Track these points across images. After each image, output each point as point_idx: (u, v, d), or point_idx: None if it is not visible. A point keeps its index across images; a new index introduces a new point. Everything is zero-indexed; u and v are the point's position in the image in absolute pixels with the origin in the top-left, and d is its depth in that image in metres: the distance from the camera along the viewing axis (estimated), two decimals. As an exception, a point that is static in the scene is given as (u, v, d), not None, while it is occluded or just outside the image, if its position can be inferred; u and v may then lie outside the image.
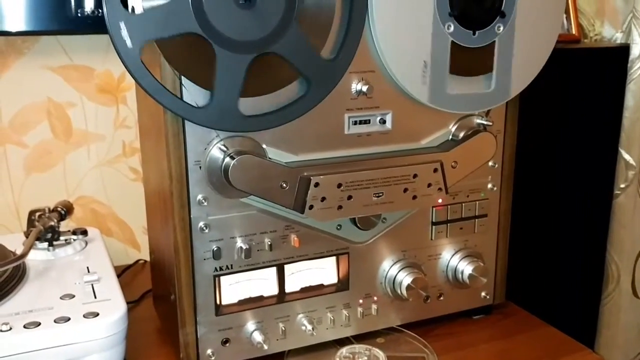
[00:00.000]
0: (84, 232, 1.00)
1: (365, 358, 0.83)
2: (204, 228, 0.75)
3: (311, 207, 0.76)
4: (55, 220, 0.97)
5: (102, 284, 0.85)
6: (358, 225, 0.81)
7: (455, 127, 0.85)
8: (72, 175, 1.15)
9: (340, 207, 0.77)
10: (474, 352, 0.87)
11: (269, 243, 0.78)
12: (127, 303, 0.99)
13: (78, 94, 1.13)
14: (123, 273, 1.12)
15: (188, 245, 0.74)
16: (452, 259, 0.90)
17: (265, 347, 0.79)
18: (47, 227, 0.95)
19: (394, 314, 0.88)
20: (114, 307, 0.79)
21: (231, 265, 0.77)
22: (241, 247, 0.76)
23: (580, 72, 1.16)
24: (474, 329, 0.93)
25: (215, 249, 0.76)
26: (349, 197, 0.77)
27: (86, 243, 1.00)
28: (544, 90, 1.10)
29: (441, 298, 0.91)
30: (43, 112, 1.11)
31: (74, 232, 1.00)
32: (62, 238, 0.97)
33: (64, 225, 1.01)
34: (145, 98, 0.75)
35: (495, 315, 0.96)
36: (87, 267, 0.90)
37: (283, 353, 0.83)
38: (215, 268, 0.76)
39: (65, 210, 1.02)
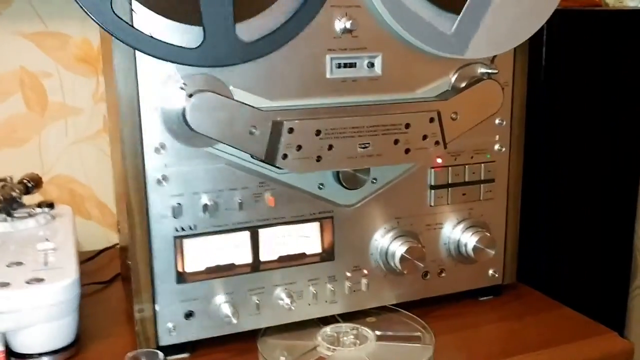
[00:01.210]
0: (50, 206, 0.92)
1: (352, 337, 0.72)
2: (162, 180, 0.65)
3: (285, 156, 0.66)
4: (18, 192, 0.89)
5: (58, 254, 0.76)
6: (343, 183, 0.71)
7: (456, 76, 0.75)
8: (47, 152, 1.07)
9: (319, 158, 0.67)
10: (477, 333, 0.76)
11: (239, 201, 0.68)
12: (97, 283, 0.92)
13: (54, 63, 1.05)
14: (98, 255, 1.02)
15: (143, 199, 0.65)
16: (455, 230, 0.79)
17: (234, 320, 0.69)
18: (7, 197, 0.87)
19: (387, 291, 0.77)
20: (63, 274, 0.70)
21: (195, 226, 0.67)
22: (206, 205, 0.67)
23: (603, 36, 1.04)
24: (479, 310, 0.82)
25: (175, 205, 0.66)
26: (330, 147, 0.67)
27: (53, 217, 0.91)
28: (564, 55, 0.99)
29: (442, 275, 0.80)
30: (15, 82, 1.03)
31: (39, 205, 0.91)
32: (24, 211, 0.89)
33: (33, 201, 0.93)
34: (110, 65, 0.66)
35: (505, 297, 0.85)
36: (47, 239, 0.81)
37: (257, 332, 0.73)
38: (176, 228, 0.67)
39: (32, 184, 0.93)
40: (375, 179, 0.74)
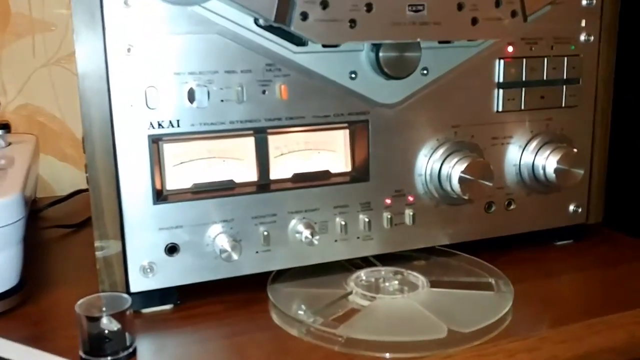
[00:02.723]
0: (5, 127, 0.73)
1: (396, 283, 0.53)
2: (129, 51, 0.46)
3: (304, 16, 0.46)
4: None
5: (3, 176, 0.57)
6: (384, 69, 0.51)
7: None
8: (11, 76, 0.88)
9: (353, 22, 0.48)
10: (562, 283, 0.57)
11: (239, 88, 0.49)
12: (64, 227, 0.73)
13: (17, -35, 0.86)
14: (70, 198, 0.84)
15: (102, 78, 0.45)
16: (529, 146, 0.60)
17: (235, 256, 0.49)
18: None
19: (439, 226, 0.58)
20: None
21: (177, 122, 0.48)
22: (192, 90, 0.47)
23: None
24: (558, 256, 0.62)
25: (148, 88, 0.46)
26: (369, 7, 0.48)
27: (9, 144, 0.72)
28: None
29: (511, 207, 0.60)
30: (-31, -13, 0.85)
31: (-10, 126, 0.72)
32: (-30, 132, 0.70)
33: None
34: None
35: (588, 241, 0.65)
36: (-7, 161, 0.62)
37: (267, 275, 0.53)
38: (152, 124, 0.47)
39: (-15, 105, 0.75)
40: (426, 69, 0.54)
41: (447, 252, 0.59)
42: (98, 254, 0.49)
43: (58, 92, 0.90)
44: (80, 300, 0.44)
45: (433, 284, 0.52)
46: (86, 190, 0.82)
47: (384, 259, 0.57)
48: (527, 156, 0.60)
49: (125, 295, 0.44)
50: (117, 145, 0.47)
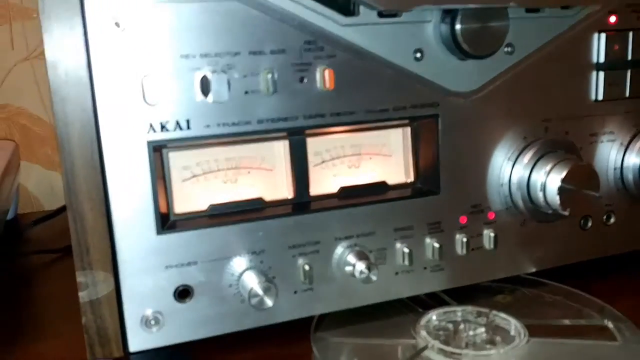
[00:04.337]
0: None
1: (482, 331, 0.39)
2: (118, 24, 0.33)
3: (362, -28, 0.33)
4: None
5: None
6: (462, 45, 0.38)
7: None
8: (-12, 72, 0.76)
9: (426, -19, 0.35)
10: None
11: (269, 75, 0.36)
12: (48, 252, 0.61)
13: (-9, -58, 0.73)
14: (59, 214, 0.71)
15: (83, 64, 0.33)
16: (633, 145, 0.47)
17: (269, 303, 0.37)
18: None
19: (526, 250, 0.45)
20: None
21: (187, 123, 0.35)
22: (206, 80, 0.34)
23: None
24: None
25: (145, 78, 0.33)
26: (447, -40, 0.35)
27: (-21, 153, 0.59)
28: None
29: (611, 222, 0.48)
30: None
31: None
32: None
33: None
34: None
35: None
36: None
37: (308, 321, 0.40)
38: (152, 126, 0.34)
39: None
40: (510, 45, 0.41)
41: (535, 282, 0.46)
42: (82, 296, 0.36)
43: (43, 90, 0.78)
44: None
45: (532, 331, 0.39)
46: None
47: (456, 293, 0.44)
48: (632, 157, 0.47)
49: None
50: (105, 156, 0.34)
